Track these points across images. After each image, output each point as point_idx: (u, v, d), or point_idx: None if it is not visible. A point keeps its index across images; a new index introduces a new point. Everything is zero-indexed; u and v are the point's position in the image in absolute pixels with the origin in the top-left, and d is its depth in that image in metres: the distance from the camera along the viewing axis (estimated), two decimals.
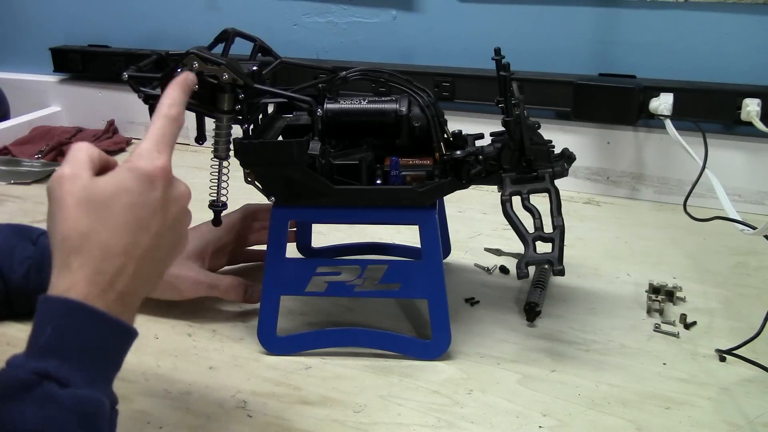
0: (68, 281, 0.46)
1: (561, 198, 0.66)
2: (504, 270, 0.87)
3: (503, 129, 0.67)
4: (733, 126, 1.03)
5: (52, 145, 1.30)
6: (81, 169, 0.49)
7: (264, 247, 0.69)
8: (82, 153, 0.50)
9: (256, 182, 0.66)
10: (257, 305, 0.72)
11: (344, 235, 0.93)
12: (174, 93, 0.55)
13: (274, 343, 0.70)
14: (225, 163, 0.64)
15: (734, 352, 0.68)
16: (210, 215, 0.66)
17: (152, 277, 0.51)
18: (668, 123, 1.01)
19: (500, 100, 0.66)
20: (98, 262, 0.46)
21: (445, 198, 0.78)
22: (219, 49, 0.67)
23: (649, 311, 0.77)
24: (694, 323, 0.75)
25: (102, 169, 0.51)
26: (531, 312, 0.76)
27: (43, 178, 1.21)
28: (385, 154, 0.70)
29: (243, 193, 0.69)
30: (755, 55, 1.01)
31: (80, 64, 1.42)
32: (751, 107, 0.98)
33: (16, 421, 0.41)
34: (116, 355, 0.48)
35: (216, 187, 0.65)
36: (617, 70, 1.08)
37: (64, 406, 0.43)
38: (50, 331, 0.44)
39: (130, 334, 0.49)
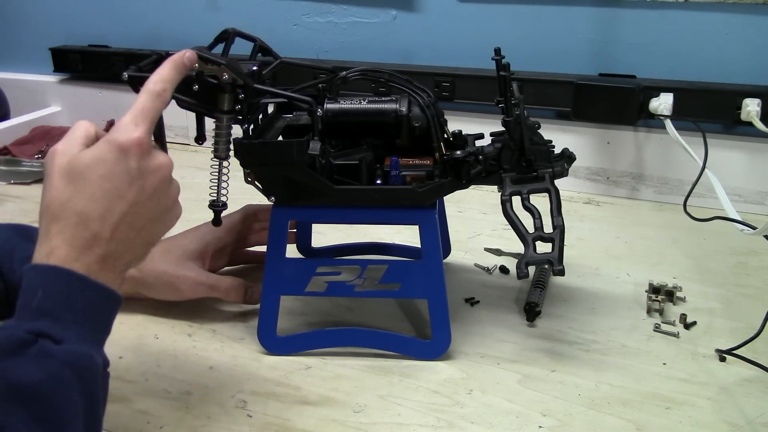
0: (47, 247, 0.49)
1: (561, 198, 0.67)
2: (504, 270, 0.87)
3: (503, 129, 0.68)
4: (733, 126, 1.03)
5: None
6: (72, 146, 0.52)
7: (264, 249, 0.69)
8: (78, 131, 0.53)
9: (256, 182, 0.66)
10: (257, 305, 0.71)
11: (344, 235, 0.93)
12: (163, 70, 0.56)
13: (274, 343, 0.70)
14: (225, 163, 0.64)
15: (734, 352, 0.68)
16: (210, 215, 0.66)
17: (136, 243, 0.53)
18: (668, 123, 1.01)
19: (500, 100, 0.66)
20: (74, 228, 0.49)
21: (445, 198, 0.78)
22: (219, 49, 0.67)
23: (649, 311, 0.77)
24: (694, 323, 0.75)
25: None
26: (531, 312, 0.76)
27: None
28: (385, 154, 0.70)
29: (243, 193, 0.69)
30: (755, 55, 1.01)
31: (80, 64, 1.42)
32: (751, 107, 0.98)
33: (18, 374, 0.44)
34: (103, 319, 0.50)
35: (216, 187, 0.65)
36: (617, 70, 1.08)
37: (61, 359, 0.45)
38: (41, 294, 0.47)
39: (114, 299, 0.51)
